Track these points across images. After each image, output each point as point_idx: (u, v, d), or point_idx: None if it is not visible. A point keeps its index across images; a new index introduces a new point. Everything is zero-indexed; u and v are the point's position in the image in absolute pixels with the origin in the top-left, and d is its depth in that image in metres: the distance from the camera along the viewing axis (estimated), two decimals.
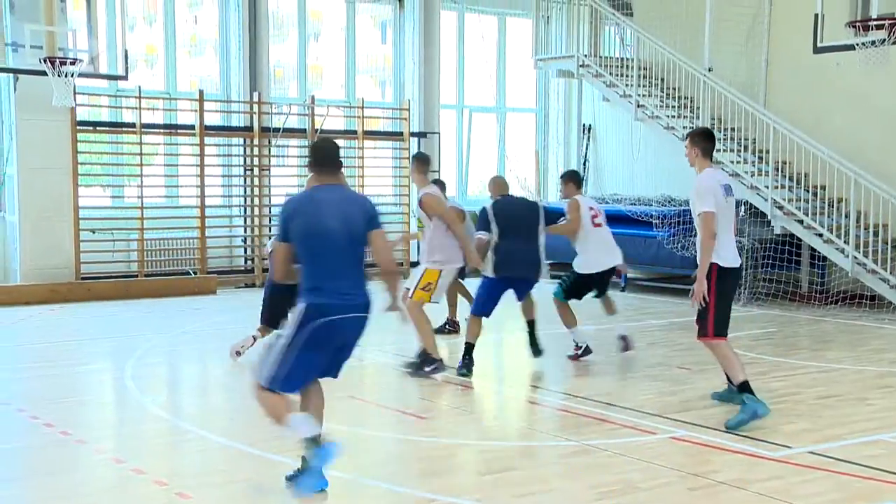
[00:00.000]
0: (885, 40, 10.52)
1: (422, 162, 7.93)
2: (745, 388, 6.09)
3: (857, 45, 10.70)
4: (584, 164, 15.94)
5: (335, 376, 4.74)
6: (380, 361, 8.23)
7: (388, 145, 15.25)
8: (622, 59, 14.38)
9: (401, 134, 14.95)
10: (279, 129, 13.79)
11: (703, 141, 6.20)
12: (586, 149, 16.05)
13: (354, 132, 14.58)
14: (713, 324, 6.06)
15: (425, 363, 7.42)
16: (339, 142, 14.33)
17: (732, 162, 12.07)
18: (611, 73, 13.82)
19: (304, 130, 14.12)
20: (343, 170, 4.92)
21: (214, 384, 7.68)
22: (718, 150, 12.64)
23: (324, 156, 4.66)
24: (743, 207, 11.66)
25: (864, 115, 12.14)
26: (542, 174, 16.66)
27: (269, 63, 13.93)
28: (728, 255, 6.08)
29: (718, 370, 7.89)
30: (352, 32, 14.96)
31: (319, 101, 14.22)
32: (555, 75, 15.67)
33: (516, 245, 7.50)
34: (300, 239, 4.50)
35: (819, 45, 11.20)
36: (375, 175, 15.01)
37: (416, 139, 14.99)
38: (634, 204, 13.40)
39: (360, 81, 15.20)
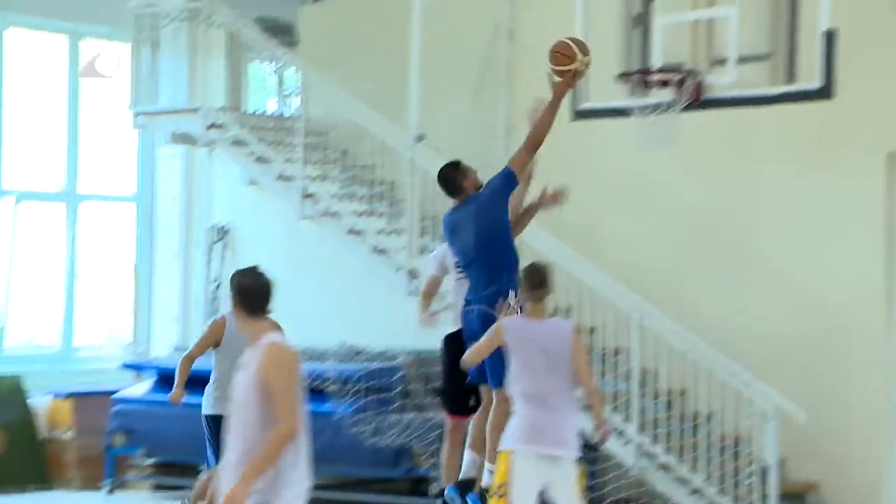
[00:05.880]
0: (670, 104, 10.33)
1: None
2: None
3: (634, 109, 10.46)
4: (216, 288, 14.71)
5: None
6: None
7: None
8: (281, 117, 13.97)
9: None
10: None
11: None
12: (220, 264, 14.76)
13: None
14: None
15: None
16: None
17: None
18: (262, 140, 12.80)
19: None
20: None
21: None
22: None
23: None
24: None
25: (650, 216, 12.06)
26: (144, 306, 15.18)
27: None
28: None
29: None
30: None
31: None
32: (168, 141, 14.35)
33: None
34: None
35: (581, 106, 10.90)
36: None
37: None
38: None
39: None
